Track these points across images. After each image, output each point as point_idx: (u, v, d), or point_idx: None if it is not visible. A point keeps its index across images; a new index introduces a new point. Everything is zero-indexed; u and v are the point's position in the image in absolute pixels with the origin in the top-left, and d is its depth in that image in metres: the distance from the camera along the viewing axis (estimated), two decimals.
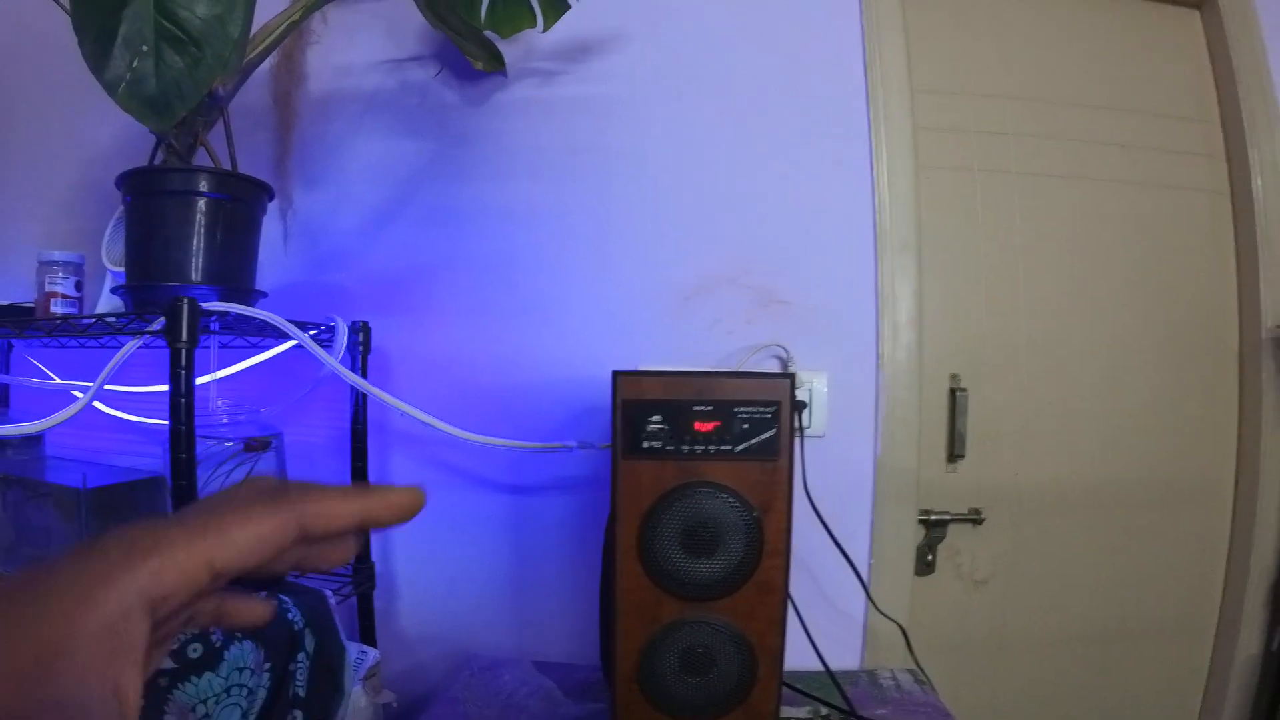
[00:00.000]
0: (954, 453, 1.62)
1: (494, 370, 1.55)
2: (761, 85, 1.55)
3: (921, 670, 1.45)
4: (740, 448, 0.99)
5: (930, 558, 1.62)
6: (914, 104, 1.57)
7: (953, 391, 1.62)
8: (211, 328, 1.28)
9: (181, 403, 1.13)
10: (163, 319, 1.14)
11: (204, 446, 1.30)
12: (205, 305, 1.17)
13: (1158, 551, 1.72)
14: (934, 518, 1.60)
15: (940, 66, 1.67)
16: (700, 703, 1.03)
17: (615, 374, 0.99)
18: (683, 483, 1.00)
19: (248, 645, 1.16)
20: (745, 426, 0.99)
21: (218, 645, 1.12)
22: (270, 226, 1.58)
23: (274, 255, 1.60)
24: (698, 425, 0.99)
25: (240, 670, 1.14)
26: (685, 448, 0.99)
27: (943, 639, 1.62)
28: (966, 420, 1.61)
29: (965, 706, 1.41)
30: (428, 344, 1.57)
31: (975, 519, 1.62)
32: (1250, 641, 1.69)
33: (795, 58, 1.56)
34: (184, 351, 1.13)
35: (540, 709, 1.30)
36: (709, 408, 0.99)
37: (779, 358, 1.51)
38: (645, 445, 0.99)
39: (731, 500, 0.99)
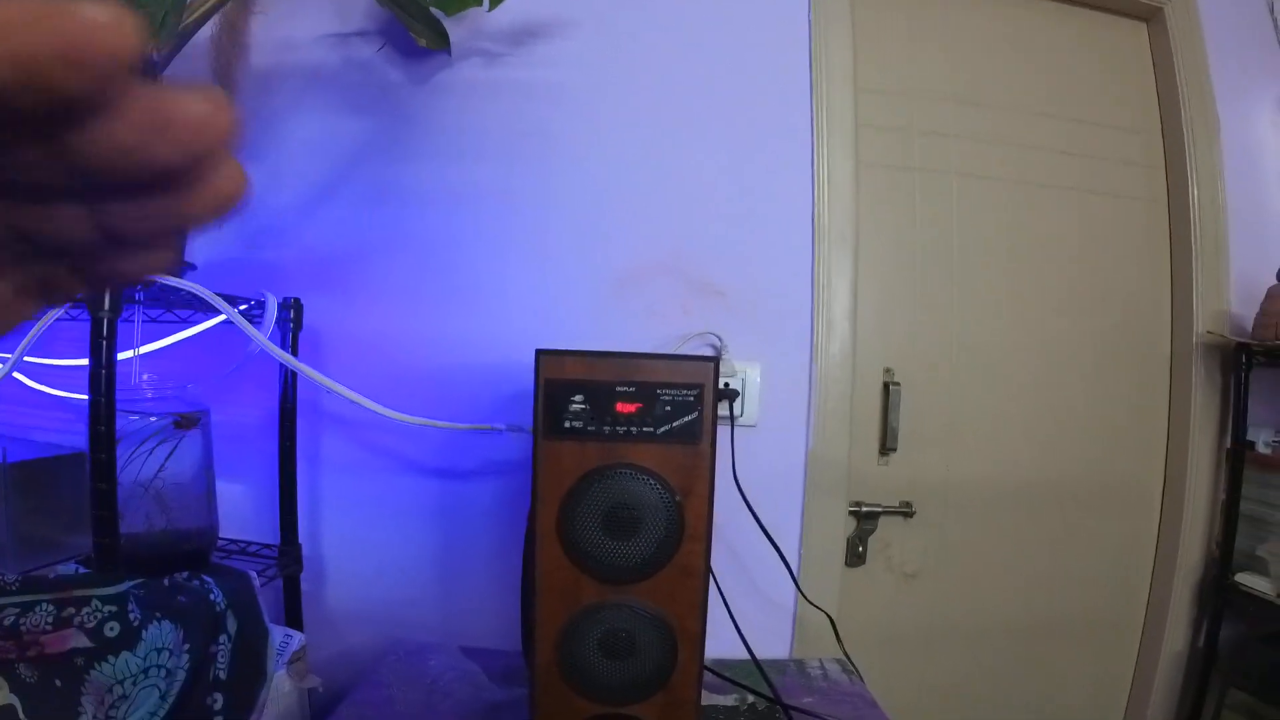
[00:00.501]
0: (886, 446, 1.61)
1: (428, 352, 1.52)
2: (707, 77, 1.53)
3: (850, 660, 1.44)
4: (662, 430, 0.97)
5: (861, 549, 1.61)
6: (857, 102, 1.56)
7: (886, 385, 1.61)
8: (136, 298, 1.23)
9: (102, 375, 1.09)
10: None
11: (128, 422, 1.25)
12: None
13: (1086, 550, 1.73)
14: (865, 509, 1.59)
15: (886, 67, 1.66)
16: (620, 686, 1.00)
17: (538, 353, 0.96)
18: (604, 464, 0.97)
19: (167, 625, 1.12)
20: (668, 409, 0.97)
21: (135, 624, 1.07)
22: None
23: (209, 230, 1.54)
24: (620, 406, 0.96)
25: (159, 651, 1.10)
26: (607, 429, 0.96)
27: (873, 631, 1.61)
28: (899, 414, 1.60)
29: (894, 699, 1.40)
30: (362, 324, 1.53)
31: (906, 512, 1.61)
32: (1176, 638, 1.70)
33: (742, 52, 1.54)
34: (105, 322, 1.08)
35: (465, 693, 1.27)
36: (631, 389, 0.96)
37: (713, 346, 1.49)
38: (567, 425, 0.96)
39: (652, 483, 0.97)
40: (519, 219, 1.52)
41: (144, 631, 1.08)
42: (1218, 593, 1.66)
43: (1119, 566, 1.75)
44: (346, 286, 1.53)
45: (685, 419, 0.97)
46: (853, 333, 1.51)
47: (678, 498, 0.97)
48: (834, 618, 1.44)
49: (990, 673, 1.71)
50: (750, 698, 1.29)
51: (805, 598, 1.42)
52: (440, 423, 1.34)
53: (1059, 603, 1.73)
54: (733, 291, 1.50)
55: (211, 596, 1.22)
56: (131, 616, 1.07)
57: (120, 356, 1.29)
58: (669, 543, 0.98)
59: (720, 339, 1.47)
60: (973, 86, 1.70)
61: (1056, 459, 1.71)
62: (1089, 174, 1.73)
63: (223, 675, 1.19)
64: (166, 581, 1.22)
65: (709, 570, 1.01)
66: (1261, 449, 1.68)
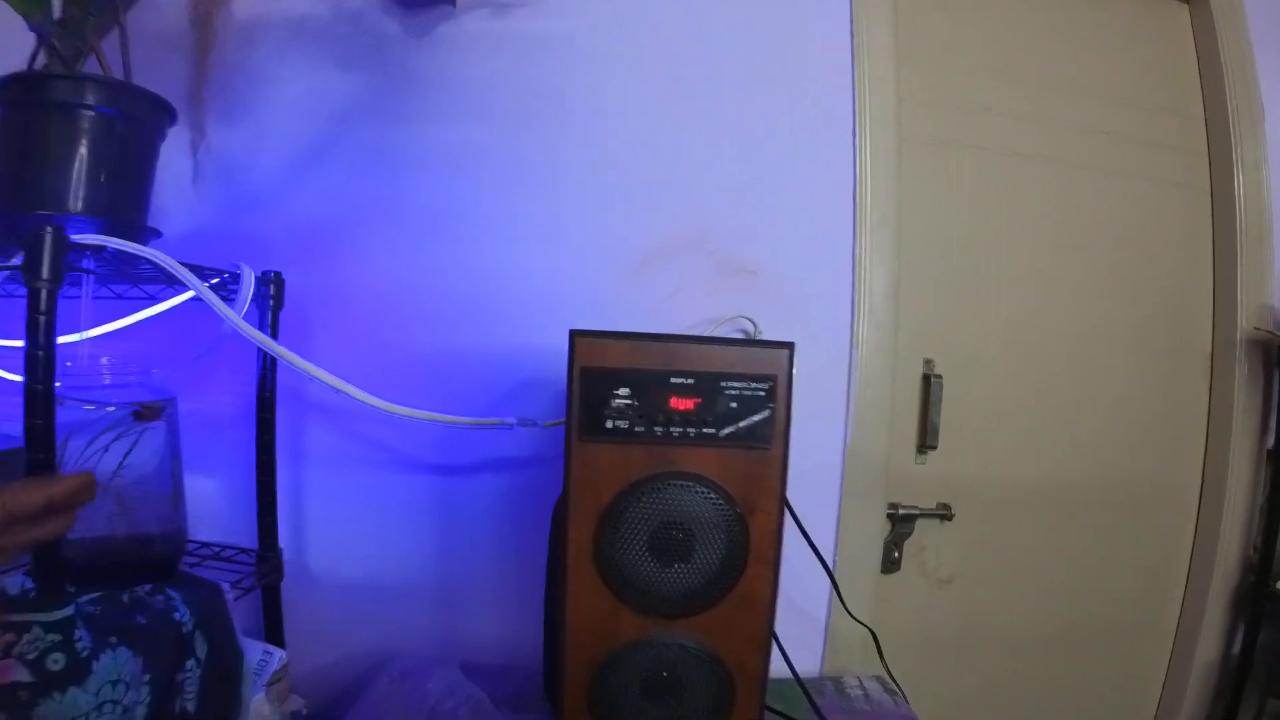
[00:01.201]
0: (925, 443, 1.45)
1: (425, 335, 1.32)
2: (739, 37, 1.35)
3: (892, 678, 1.27)
4: (725, 432, 0.79)
5: (897, 555, 1.45)
6: (899, 72, 1.38)
7: (926, 378, 1.45)
8: (87, 267, 1.02)
9: (39, 356, 0.88)
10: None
11: (82, 412, 1.04)
12: (75, 237, 0.91)
13: (1120, 553, 1.60)
14: (902, 512, 1.43)
15: (927, 34, 1.49)
16: None
17: (573, 334, 0.77)
18: (653, 473, 0.78)
19: (123, 652, 0.92)
20: (733, 406, 0.79)
21: (84, 655, 0.88)
22: (178, 162, 1.32)
23: (181, 195, 1.33)
24: (674, 402, 0.78)
25: (114, 684, 0.90)
26: (658, 429, 0.78)
27: (902, 639, 1.46)
28: (940, 409, 1.43)
29: (922, 708, 1.24)
30: (351, 302, 1.33)
31: (945, 515, 1.45)
32: (1210, 646, 1.58)
33: (779, 9, 1.35)
34: (44, 292, 0.88)
35: None
36: (689, 381, 0.78)
37: (744, 332, 1.31)
38: (609, 425, 0.77)
39: (712, 496, 0.79)
40: (527, 188, 1.33)
41: (95, 663, 0.88)
42: (1256, 600, 1.53)
43: (1153, 570, 1.62)
44: (334, 260, 1.33)
45: (754, 418, 0.79)
46: (894, 319, 1.35)
47: (742, 514, 0.79)
48: (874, 631, 1.28)
49: (1020, 681, 1.57)
50: None
51: (849, 612, 1.25)
52: (444, 416, 1.14)
53: (1091, 608, 1.60)
54: (766, 272, 1.32)
55: (177, 615, 1.02)
56: (79, 646, 0.88)
57: (70, 338, 1.08)
58: (730, 568, 0.81)
59: (754, 323, 1.29)
60: (1014, 60, 1.54)
61: (1093, 458, 1.57)
62: (1131, 157, 1.59)
63: (190, 707, 1.00)
64: (126, 597, 1.02)
65: (775, 599, 0.83)
66: None
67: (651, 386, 0.77)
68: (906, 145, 1.41)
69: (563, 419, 1.21)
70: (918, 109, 1.45)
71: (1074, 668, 1.59)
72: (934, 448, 1.45)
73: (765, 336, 1.29)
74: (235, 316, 1.04)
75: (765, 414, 0.79)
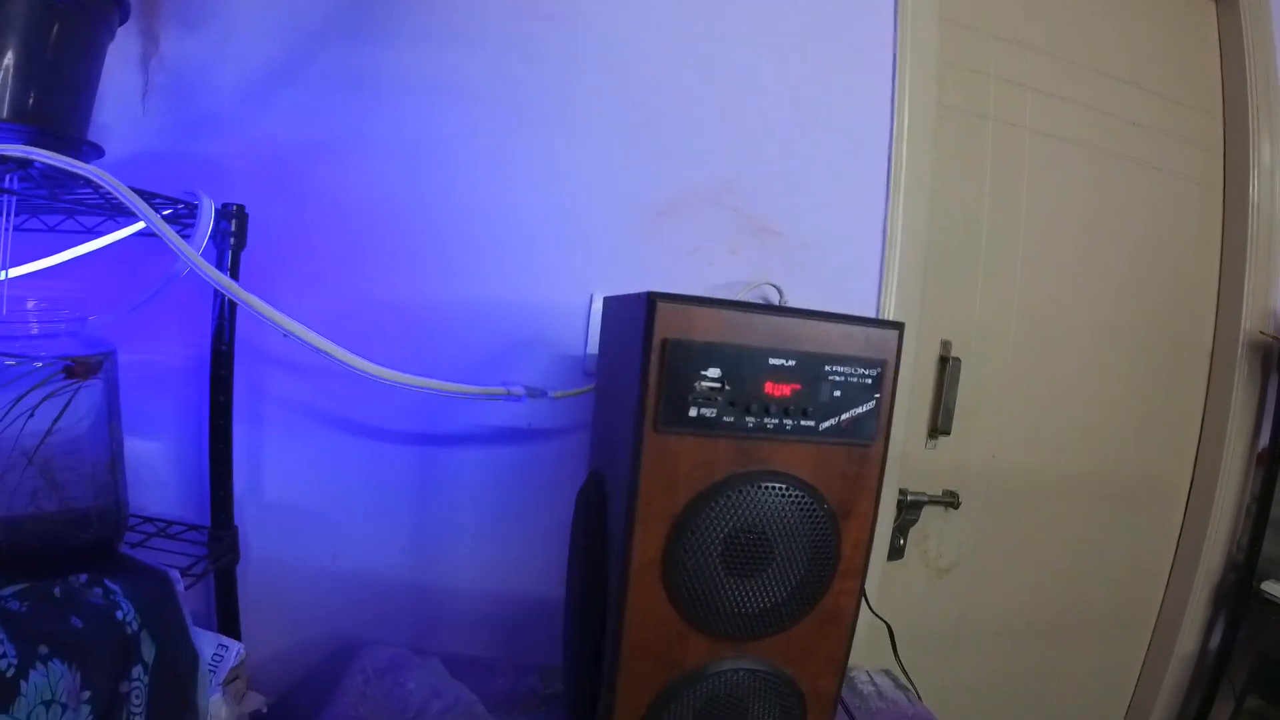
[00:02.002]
0: (937, 428, 1.34)
1: (405, 282, 1.13)
2: None
3: (905, 673, 1.17)
4: (826, 425, 0.64)
5: (901, 542, 1.34)
6: (942, 32, 1.24)
7: (943, 360, 1.33)
8: (9, 186, 0.80)
9: None
10: None
11: (2, 367, 0.83)
12: None
13: (1110, 545, 1.55)
14: (910, 498, 1.32)
15: None
16: None
17: (652, 297, 0.61)
18: (740, 470, 0.63)
19: (56, 666, 0.74)
20: (836, 395, 0.64)
21: (9, 674, 0.69)
22: (126, 77, 1.09)
23: (129, 114, 1.09)
24: (769, 387, 0.63)
25: (47, 706, 0.72)
26: (750, 419, 0.62)
27: (900, 628, 1.35)
28: (955, 394, 1.32)
29: None
30: (321, 242, 1.12)
31: (951, 503, 1.35)
32: (1189, 639, 1.54)
33: None
34: None
35: None
36: (789, 363, 0.63)
37: (767, 299, 1.17)
38: (693, 413, 0.61)
39: (807, 501, 0.64)
40: (527, 121, 1.14)
41: (23, 682, 0.70)
42: (1239, 598, 1.49)
43: (1139, 563, 1.58)
44: (301, 193, 1.12)
45: (859, 410, 0.65)
46: (920, 296, 1.22)
47: (836, 522, 0.65)
48: (889, 623, 1.17)
49: (1007, 671, 1.52)
50: None
51: (869, 607, 1.13)
52: (440, 384, 0.96)
53: (1079, 598, 1.55)
54: (791, 234, 1.18)
55: (120, 614, 0.84)
56: (3, 663, 0.69)
57: None
58: (814, 581, 0.67)
59: (780, 290, 1.14)
60: (1051, 35, 1.43)
61: (1093, 449, 1.50)
62: (1154, 149, 1.50)
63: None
64: (57, 590, 0.82)
65: (857, 617, 0.70)
66: None
67: (746, 367, 0.62)
68: (943, 112, 1.27)
69: (576, 389, 1.07)
70: (956, 75, 1.32)
71: (1059, 657, 1.54)
72: (946, 433, 1.34)
73: (789, 304, 1.14)
74: (195, 255, 0.84)
75: (871, 405, 0.65)
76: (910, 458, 1.32)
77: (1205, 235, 1.56)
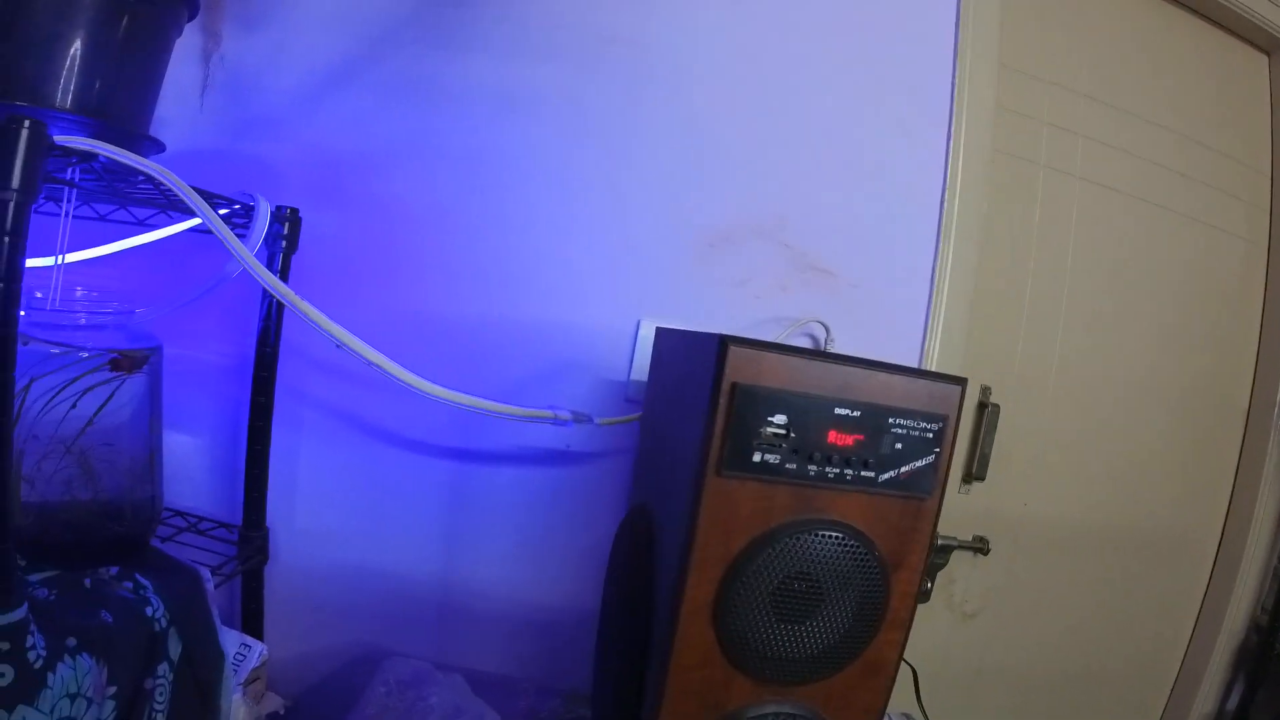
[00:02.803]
0: (972, 473, 1.30)
1: (450, 295, 1.11)
2: (842, 14, 1.15)
3: (926, 717, 1.13)
4: (885, 476, 0.61)
5: (929, 585, 1.31)
6: (1000, 79, 1.21)
7: (982, 405, 1.30)
8: (71, 178, 0.78)
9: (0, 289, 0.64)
10: None
11: (47, 355, 0.81)
12: (60, 139, 0.68)
13: (1135, 600, 1.51)
14: (940, 542, 1.29)
15: (1025, 44, 1.33)
16: None
17: (724, 340, 0.59)
18: (798, 519, 0.60)
19: (84, 661, 0.72)
20: (897, 447, 0.61)
21: (38, 665, 0.67)
22: (185, 71, 1.08)
23: (186, 109, 1.08)
24: (833, 436, 0.60)
25: (72, 699, 0.70)
26: (812, 468, 0.60)
27: (924, 672, 1.31)
28: (993, 440, 1.29)
29: None
30: (370, 250, 1.11)
31: (980, 548, 1.31)
32: (1207, 700, 1.50)
33: None
34: (13, 205, 0.64)
35: None
36: (855, 414, 0.60)
37: (814, 338, 1.14)
38: (758, 458, 0.59)
39: (858, 549, 0.62)
40: (588, 141, 1.12)
41: (50, 674, 0.67)
42: (1260, 659, 1.45)
43: (1162, 618, 1.55)
44: (354, 200, 1.10)
45: (918, 463, 0.63)
46: (965, 341, 1.18)
47: (887, 574, 0.63)
48: (914, 666, 1.13)
49: (1027, 718, 1.45)
50: None
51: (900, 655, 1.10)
52: (490, 404, 0.93)
53: (1100, 651, 1.51)
54: (841, 273, 1.15)
55: (149, 610, 0.82)
56: (32, 654, 0.66)
57: (40, 261, 0.84)
58: (861, 631, 0.64)
59: (827, 328, 1.12)
60: (1103, 85, 1.40)
61: (1126, 502, 1.47)
62: (1202, 202, 1.47)
63: (161, 719, 0.79)
64: (87, 581, 0.80)
65: (899, 669, 0.67)
66: None
67: (812, 415, 0.60)
68: (995, 157, 1.24)
69: (621, 416, 1.04)
70: (1010, 121, 1.29)
71: (1079, 709, 1.50)
72: (981, 479, 1.31)
73: (837, 345, 1.12)
74: (252, 258, 0.82)
75: (931, 459, 0.63)
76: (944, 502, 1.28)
77: (1247, 292, 1.52)
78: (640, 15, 1.11)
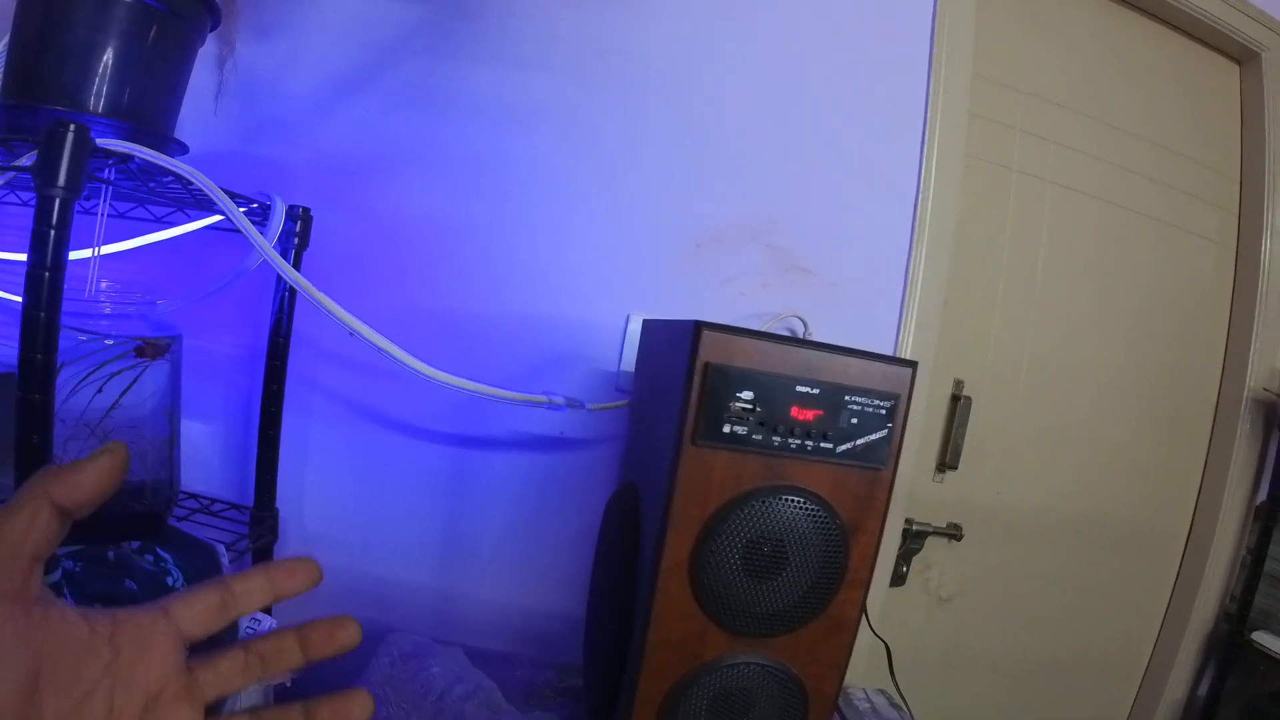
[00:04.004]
0: (944, 462, 1.38)
1: (451, 292, 1.20)
2: (826, 29, 1.25)
3: (899, 692, 1.21)
4: (843, 448, 0.69)
5: (904, 569, 1.38)
6: (974, 87, 1.30)
7: (954, 398, 1.38)
8: (107, 177, 0.86)
9: (45, 278, 0.73)
10: (35, 152, 0.73)
11: (76, 342, 0.89)
12: (101, 142, 0.76)
13: (1105, 589, 1.59)
14: (915, 528, 1.37)
15: (1000, 55, 1.42)
16: None
17: (698, 325, 0.67)
18: (766, 484, 0.68)
19: None
20: (853, 422, 0.70)
21: None
22: (201, 76, 1.15)
23: (200, 113, 1.16)
24: (796, 411, 0.68)
25: None
26: (776, 439, 0.68)
27: (900, 654, 1.39)
28: (965, 431, 1.37)
29: None
30: (377, 249, 1.19)
31: (955, 535, 1.40)
32: (1178, 686, 1.58)
33: (865, 8, 1.26)
34: (59, 201, 0.73)
35: (480, 717, 0.98)
36: (815, 391, 0.68)
37: (792, 331, 1.22)
38: (727, 430, 0.67)
39: (820, 514, 0.70)
40: (585, 149, 1.21)
41: None
42: (1229, 647, 1.52)
43: (1132, 609, 1.63)
44: (362, 201, 1.19)
45: (872, 436, 0.71)
46: (937, 337, 1.27)
47: (847, 536, 0.70)
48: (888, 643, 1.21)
49: (1001, 704, 1.56)
50: None
51: (871, 628, 1.18)
52: (487, 388, 1.01)
53: (1072, 638, 1.59)
54: (821, 272, 1.23)
55: (170, 580, 0.89)
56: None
57: (74, 255, 0.92)
58: (823, 589, 0.72)
59: (805, 323, 1.20)
60: (1076, 93, 1.49)
61: (1097, 493, 1.55)
62: (1172, 206, 1.56)
63: None
64: (111, 554, 0.87)
65: (859, 626, 0.75)
66: None
67: (776, 393, 0.68)
68: (969, 163, 1.33)
69: (610, 402, 1.12)
70: (984, 128, 1.38)
71: (1050, 695, 1.58)
72: (954, 468, 1.39)
73: (815, 338, 1.20)
74: (270, 248, 0.90)
75: (884, 433, 0.71)
76: (918, 489, 1.37)
77: (1216, 293, 1.61)
78: (635, 29, 1.20)
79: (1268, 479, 1.55)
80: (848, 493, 0.71)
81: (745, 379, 0.67)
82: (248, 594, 0.39)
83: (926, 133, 1.26)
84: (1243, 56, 1.62)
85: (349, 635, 0.41)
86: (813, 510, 0.70)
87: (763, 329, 1.17)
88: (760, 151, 1.22)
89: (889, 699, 1.22)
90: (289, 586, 0.41)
